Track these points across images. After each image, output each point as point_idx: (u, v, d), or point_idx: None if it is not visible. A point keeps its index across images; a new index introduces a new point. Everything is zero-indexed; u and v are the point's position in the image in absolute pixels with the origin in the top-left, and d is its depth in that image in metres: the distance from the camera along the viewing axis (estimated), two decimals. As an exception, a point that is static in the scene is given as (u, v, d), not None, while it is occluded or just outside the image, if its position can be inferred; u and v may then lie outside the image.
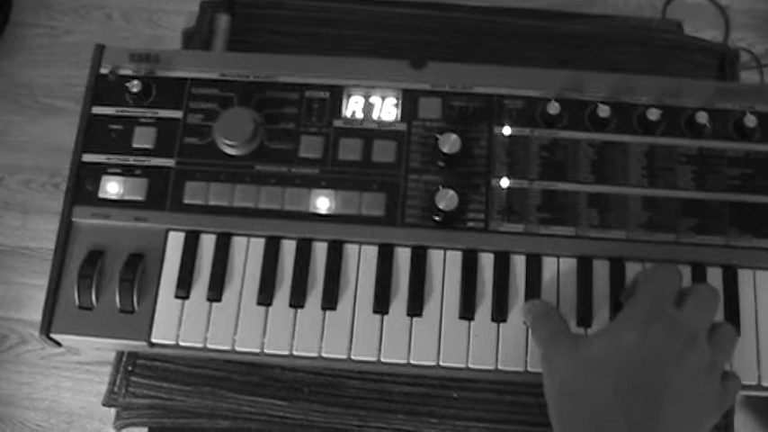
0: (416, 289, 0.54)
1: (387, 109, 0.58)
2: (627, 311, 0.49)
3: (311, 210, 0.56)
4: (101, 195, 0.57)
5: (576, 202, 0.56)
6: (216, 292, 0.55)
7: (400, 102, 0.59)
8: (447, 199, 0.54)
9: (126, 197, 0.57)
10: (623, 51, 0.70)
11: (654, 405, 0.44)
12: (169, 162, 0.57)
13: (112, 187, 0.57)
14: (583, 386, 0.47)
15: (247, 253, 0.56)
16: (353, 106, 0.59)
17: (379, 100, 0.59)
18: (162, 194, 0.57)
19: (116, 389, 0.60)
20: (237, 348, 0.54)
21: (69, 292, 0.55)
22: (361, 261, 0.55)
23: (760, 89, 0.59)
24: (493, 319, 0.54)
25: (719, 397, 0.48)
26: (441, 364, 0.53)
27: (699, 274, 0.55)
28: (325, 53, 0.69)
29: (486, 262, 0.55)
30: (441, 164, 0.57)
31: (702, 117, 0.56)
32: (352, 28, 0.71)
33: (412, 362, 0.53)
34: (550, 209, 0.56)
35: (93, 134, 0.58)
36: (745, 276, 0.55)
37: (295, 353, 0.54)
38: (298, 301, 0.54)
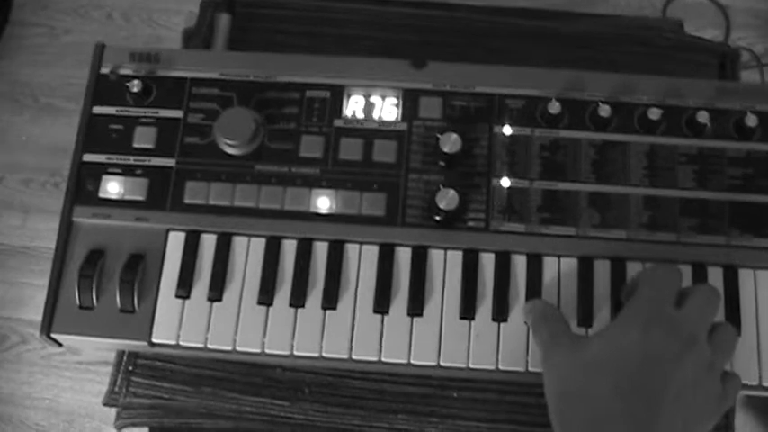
0: (417, 289, 0.54)
1: (387, 109, 0.58)
2: (627, 312, 0.49)
3: (312, 210, 0.56)
4: (101, 195, 0.57)
5: (577, 201, 0.56)
6: (216, 291, 0.55)
7: (401, 101, 0.59)
8: (448, 199, 0.54)
9: (126, 197, 0.57)
10: (624, 51, 0.70)
11: (654, 405, 0.44)
12: (170, 162, 0.57)
13: (113, 187, 0.57)
14: (583, 386, 0.47)
15: (248, 253, 0.56)
16: (354, 106, 0.59)
17: (380, 100, 0.59)
18: (162, 194, 0.57)
19: (116, 389, 0.60)
20: (238, 348, 0.54)
21: (70, 291, 0.55)
22: (361, 261, 0.55)
23: (760, 89, 0.59)
24: (493, 319, 0.54)
25: (720, 397, 0.48)
26: (441, 363, 0.53)
27: (700, 274, 0.55)
28: (325, 53, 0.69)
29: (487, 262, 0.55)
30: (441, 164, 0.57)
31: (703, 117, 0.56)
32: (352, 27, 0.71)
33: (412, 362, 0.53)
34: (551, 209, 0.56)
35: (94, 134, 0.58)
36: (745, 276, 0.55)
37: (296, 353, 0.54)
38: (298, 300, 0.54)
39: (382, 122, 0.58)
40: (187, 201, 0.56)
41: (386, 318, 0.54)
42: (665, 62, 0.70)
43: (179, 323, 0.54)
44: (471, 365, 0.53)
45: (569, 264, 0.55)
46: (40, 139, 1.47)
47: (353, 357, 0.53)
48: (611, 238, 0.55)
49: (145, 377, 0.60)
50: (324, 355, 0.54)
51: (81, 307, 0.54)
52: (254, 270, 0.55)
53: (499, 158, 0.57)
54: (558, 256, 0.55)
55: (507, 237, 0.55)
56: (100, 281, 0.55)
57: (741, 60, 0.72)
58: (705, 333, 0.48)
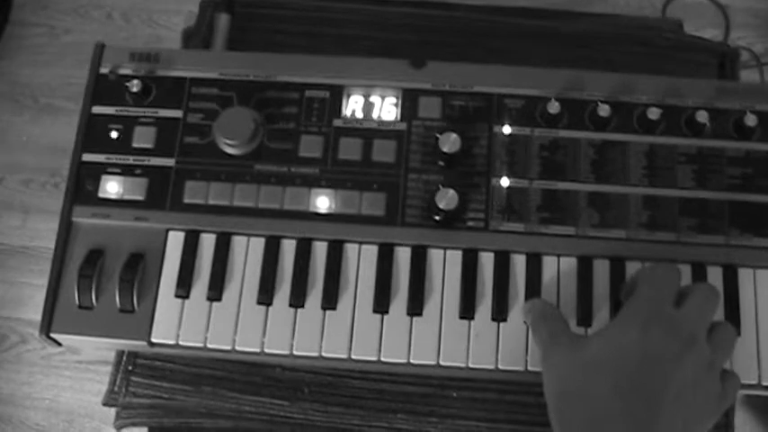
0: (416, 288, 0.54)
1: (387, 108, 0.58)
2: (626, 311, 0.49)
3: (311, 209, 0.56)
4: (101, 195, 0.57)
5: (577, 201, 0.56)
6: (216, 291, 0.55)
7: (400, 101, 0.59)
8: (447, 198, 0.54)
9: (126, 197, 0.57)
10: (623, 50, 0.70)
11: (653, 405, 0.44)
12: (169, 162, 0.57)
13: (112, 187, 0.57)
14: (582, 386, 0.47)
15: (247, 252, 0.56)
16: (353, 106, 0.59)
17: (379, 99, 0.59)
18: (162, 194, 0.57)
19: (116, 388, 0.61)
20: (238, 348, 0.54)
21: (69, 291, 0.55)
22: (361, 261, 0.55)
23: (760, 88, 0.59)
24: (493, 319, 0.54)
25: (719, 396, 0.48)
26: (441, 363, 0.53)
27: (699, 274, 0.55)
28: (325, 53, 0.69)
29: (487, 261, 0.55)
30: (441, 163, 0.57)
31: (702, 116, 0.56)
32: (351, 27, 0.71)
33: (412, 361, 0.53)
34: (551, 208, 0.56)
35: (93, 134, 0.58)
36: (745, 275, 0.55)
37: (295, 352, 0.54)
38: (298, 300, 0.54)
39: (382, 122, 0.58)
40: (186, 200, 0.56)
41: (385, 317, 0.54)
42: (665, 62, 0.70)
43: (178, 323, 0.54)
44: (471, 365, 0.53)
45: (569, 263, 0.55)
46: (39, 139, 1.47)
47: (353, 357, 0.53)
48: (611, 237, 0.55)
49: (144, 377, 0.60)
50: (323, 354, 0.54)
51: (80, 307, 0.54)
52: (253, 270, 0.55)
53: (498, 158, 0.57)
54: (558, 256, 0.55)
55: (507, 236, 0.55)
56: (99, 281, 0.55)
57: (740, 60, 0.72)
58: (704, 332, 0.48)
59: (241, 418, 0.60)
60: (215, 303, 0.55)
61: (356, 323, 0.54)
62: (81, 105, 0.59)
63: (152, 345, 0.54)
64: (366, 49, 0.70)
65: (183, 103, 0.59)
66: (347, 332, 0.54)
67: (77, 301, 0.54)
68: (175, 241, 0.56)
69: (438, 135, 0.56)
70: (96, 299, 0.54)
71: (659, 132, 0.57)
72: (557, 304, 0.54)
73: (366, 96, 0.59)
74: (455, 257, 0.55)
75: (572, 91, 0.58)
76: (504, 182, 0.57)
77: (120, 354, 0.61)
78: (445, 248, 0.56)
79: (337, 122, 0.58)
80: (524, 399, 0.59)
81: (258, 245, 0.56)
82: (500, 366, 0.53)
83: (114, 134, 0.58)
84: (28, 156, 1.46)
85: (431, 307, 0.54)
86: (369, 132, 0.58)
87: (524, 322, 0.54)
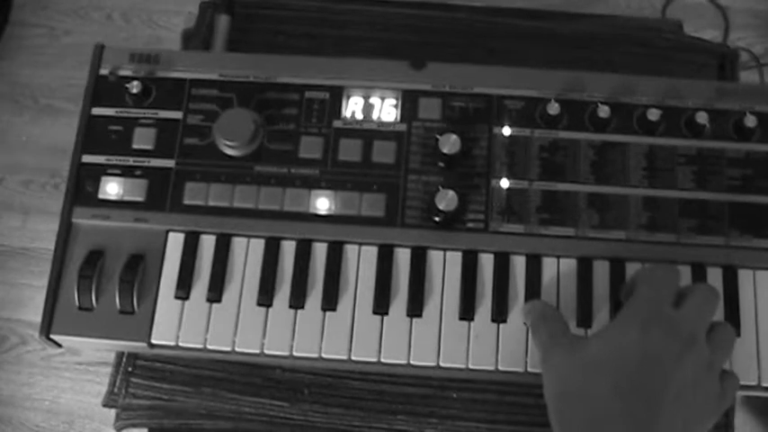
0: (416, 290, 0.54)
1: (386, 110, 0.58)
2: (625, 312, 0.49)
3: (311, 210, 0.56)
4: (101, 196, 0.57)
5: (576, 202, 0.56)
6: (216, 292, 0.55)
7: (400, 102, 0.59)
8: (447, 199, 0.54)
9: (126, 198, 0.57)
10: (623, 52, 0.70)
11: (653, 406, 0.44)
12: (169, 163, 0.57)
13: (112, 188, 0.57)
14: (582, 387, 0.47)
15: (247, 254, 0.56)
16: (353, 107, 0.59)
17: (379, 101, 0.59)
18: (162, 195, 0.57)
19: (116, 390, 0.60)
20: (238, 349, 0.54)
21: (69, 292, 0.55)
22: (360, 262, 0.55)
23: (760, 89, 0.59)
24: (493, 320, 0.54)
25: (719, 396, 0.48)
26: (441, 364, 0.53)
27: (699, 275, 0.55)
28: (324, 54, 0.69)
29: (486, 262, 0.55)
30: (441, 164, 0.57)
31: (702, 117, 0.56)
32: (352, 28, 0.71)
33: (412, 363, 0.53)
34: (550, 209, 0.56)
35: (93, 135, 0.58)
36: (745, 276, 0.55)
37: (295, 353, 0.54)
38: (298, 301, 0.54)
39: (381, 123, 0.58)
40: (186, 202, 0.56)
41: (385, 318, 0.54)
42: (665, 63, 0.70)
43: (178, 324, 0.54)
44: (471, 366, 0.53)
45: (568, 264, 0.55)
46: (39, 140, 1.47)
47: (353, 358, 0.53)
48: (611, 238, 0.55)
49: (144, 378, 0.60)
50: (323, 355, 0.54)
51: (80, 308, 0.54)
52: (253, 271, 0.55)
53: (498, 159, 0.57)
54: (558, 257, 0.55)
55: (506, 237, 0.55)
56: (99, 282, 0.55)
57: (740, 61, 0.72)
58: (704, 332, 0.48)
59: (241, 420, 0.60)
60: (215, 305, 0.55)
61: (356, 324, 0.54)
62: (81, 106, 0.59)
63: (152, 346, 0.54)
64: (366, 50, 0.70)
65: (183, 104, 0.59)
66: (347, 333, 0.54)
67: (77, 303, 0.54)
68: (175, 242, 0.56)
69: (438, 136, 0.56)
70: (96, 300, 0.54)
71: (659, 133, 0.57)
72: (556, 305, 0.54)
73: (366, 97, 0.59)
74: (455, 258, 0.55)
75: (572, 92, 0.58)
76: (504, 183, 0.57)
77: (119, 355, 0.61)
78: (445, 249, 0.56)
79: (337, 124, 0.58)
80: (524, 400, 0.59)
81: (258, 246, 0.56)
82: (500, 367, 0.53)
83: (114, 135, 0.58)
84: (28, 156, 1.46)
85: (431, 308, 0.54)
86: (369, 133, 0.58)
87: (524, 323, 0.54)
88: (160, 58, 0.60)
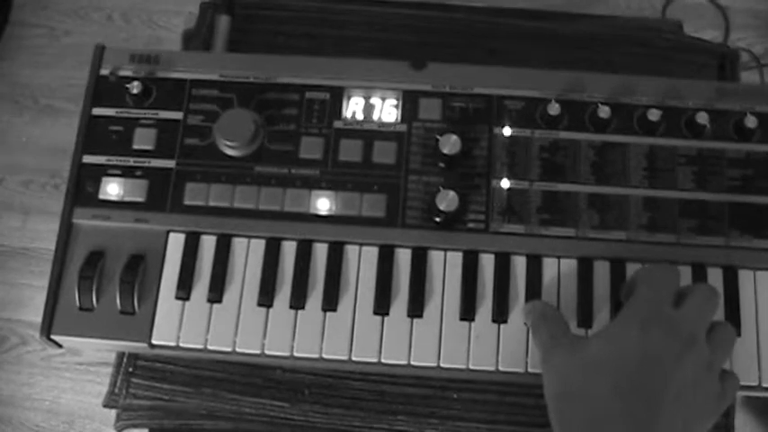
0: (417, 290, 0.54)
1: (387, 110, 0.58)
2: (625, 312, 0.49)
3: (312, 211, 0.56)
4: (101, 197, 0.57)
5: (577, 202, 0.56)
6: (216, 293, 0.55)
7: (400, 103, 0.59)
8: (447, 200, 0.54)
9: (126, 198, 0.57)
10: (623, 52, 0.71)
11: (654, 406, 0.44)
12: (169, 163, 0.57)
13: (113, 188, 0.57)
14: (582, 387, 0.47)
15: (248, 254, 0.56)
16: (354, 107, 0.59)
17: (380, 101, 0.59)
18: (162, 196, 0.57)
19: (117, 390, 0.60)
20: (238, 350, 0.54)
21: (70, 293, 0.55)
22: (361, 262, 0.55)
23: (760, 89, 0.59)
24: (493, 321, 0.54)
25: (718, 396, 0.48)
26: (441, 365, 0.53)
27: (699, 275, 0.55)
28: (325, 54, 0.69)
29: (487, 263, 0.55)
30: (441, 165, 0.57)
31: (703, 118, 0.56)
32: (352, 29, 0.71)
33: (413, 363, 0.53)
34: (551, 210, 0.56)
35: (94, 135, 0.58)
36: (745, 277, 0.55)
37: (296, 354, 0.54)
38: (298, 302, 0.54)
39: (382, 124, 0.58)
40: (187, 202, 0.56)
41: (386, 319, 0.54)
42: (665, 63, 0.70)
43: (179, 325, 0.54)
44: (471, 367, 0.53)
45: (569, 265, 0.55)
46: (40, 141, 1.47)
47: (353, 359, 0.53)
48: (611, 239, 0.55)
49: (145, 378, 0.60)
50: (324, 356, 0.54)
51: (81, 308, 0.54)
52: (253, 271, 0.55)
53: (499, 160, 0.57)
54: (558, 258, 0.55)
55: (507, 238, 0.55)
56: (100, 282, 0.55)
57: (740, 61, 0.72)
58: (704, 332, 0.48)
59: (241, 420, 0.60)
60: (215, 305, 0.55)
61: (357, 325, 0.54)
62: (81, 107, 0.59)
63: (152, 346, 0.54)
64: (366, 50, 0.70)
65: (184, 104, 0.59)
66: (348, 334, 0.54)
67: (78, 303, 0.54)
68: (176, 243, 0.56)
69: (438, 136, 0.56)
70: (97, 300, 0.55)
71: (659, 134, 0.57)
72: (557, 306, 0.54)
73: (366, 98, 0.59)
74: (455, 259, 0.55)
75: (572, 92, 0.58)
76: (505, 183, 0.57)
77: (120, 355, 0.61)
78: (446, 250, 0.56)
79: (338, 124, 0.58)
80: (525, 400, 0.59)
81: (259, 246, 0.56)
82: (500, 368, 0.53)
83: (114, 136, 0.58)
84: (28, 157, 1.46)
85: (431, 308, 0.54)
86: (369, 134, 0.58)
87: (525, 324, 0.54)
88: (160, 58, 0.60)
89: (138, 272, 0.54)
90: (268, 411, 0.59)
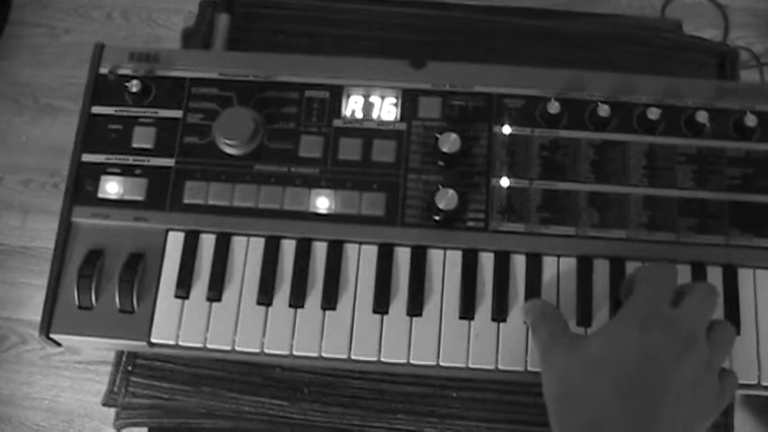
0: (416, 289, 0.54)
1: (386, 108, 0.58)
2: (624, 311, 0.49)
3: (311, 209, 0.56)
4: (100, 195, 0.57)
5: (577, 201, 0.56)
6: (216, 291, 0.55)
7: (400, 101, 0.59)
8: (447, 198, 0.54)
9: (126, 197, 0.57)
10: (623, 51, 0.70)
11: (653, 405, 0.44)
12: (169, 162, 0.57)
13: (112, 187, 0.57)
14: (581, 386, 0.47)
15: (247, 253, 0.56)
16: (353, 106, 0.58)
17: (379, 99, 0.58)
18: (162, 194, 0.57)
19: (116, 389, 0.60)
20: (237, 348, 0.54)
21: (69, 292, 0.55)
22: (360, 261, 0.55)
23: (760, 88, 0.59)
24: (493, 319, 0.54)
25: (718, 395, 0.48)
26: (441, 363, 0.53)
27: (699, 274, 0.55)
28: (324, 53, 0.69)
29: (487, 261, 0.55)
30: (441, 163, 0.57)
31: (702, 116, 0.56)
32: (351, 27, 0.71)
33: (412, 362, 0.53)
34: (551, 208, 0.56)
35: (93, 134, 0.58)
36: (745, 275, 0.55)
37: (295, 353, 0.54)
38: (298, 301, 0.54)
39: (381, 122, 0.58)
40: (186, 201, 0.56)
41: (385, 318, 0.54)
42: (665, 62, 0.70)
43: (178, 323, 0.54)
44: (471, 365, 0.53)
45: (569, 263, 0.55)
46: (39, 140, 1.47)
47: (353, 357, 0.53)
48: (611, 237, 0.55)
49: (144, 377, 0.60)
50: (323, 355, 0.53)
51: (80, 307, 0.54)
52: (253, 270, 0.55)
53: (498, 158, 0.57)
54: (558, 256, 0.55)
55: (507, 236, 0.55)
56: (99, 281, 0.55)
57: (740, 60, 0.72)
58: (703, 331, 0.48)
59: (241, 419, 0.60)
60: (215, 304, 0.55)
61: (356, 323, 0.54)
62: (81, 105, 0.59)
63: (152, 345, 0.54)
64: (366, 49, 0.70)
65: (183, 103, 0.59)
66: (347, 332, 0.54)
67: (77, 302, 0.54)
68: (175, 241, 0.56)
69: (438, 135, 0.56)
70: (96, 299, 0.54)
71: (659, 132, 0.57)
72: (557, 304, 0.54)
73: (366, 96, 0.59)
74: (455, 258, 0.55)
75: (572, 91, 0.58)
76: (504, 182, 0.57)
77: (119, 354, 0.61)
78: (445, 249, 0.56)
79: (337, 122, 0.58)
80: (524, 399, 0.59)
81: (258, 245, 0.56)
82: (500, 366, 0.53)
83: (114, 134, 0.58)
84: (28, 156, 1.46)
85: (431, 307, 0.54)
86: (369, 132, 0.58)
87: (524, 322, 0.54)
88: (160, 56, 0.60)
89: (138, 270, 0.54)
90: (267, 410, 0.59)
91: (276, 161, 0.57)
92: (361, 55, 0.67)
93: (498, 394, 0.59)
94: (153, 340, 0.54)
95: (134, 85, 0.58)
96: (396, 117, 0.58)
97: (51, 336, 0.54)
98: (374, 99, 0.58)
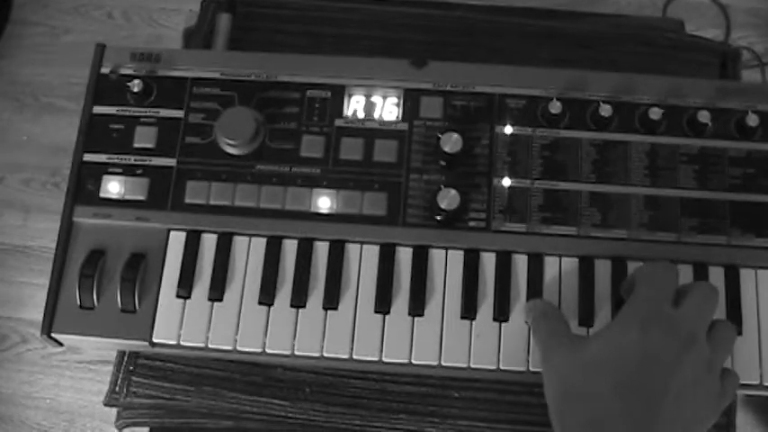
0: (418, 289, 0.54)
1: (388, 108, 0.58)
2: (625, 311, 0.49)
3: (313, 209, 0.56)
4: (102, 195, 0.57)
5: (578, 201, 0.56)
6: (217, 291, 0.55)
7: (402, 101, 0.58)
8: (449, 198, 0.54)
9: (127, 197, 0.57)
10: (625, 50, 0.70)
11: (654, 405, 0.44)
12: (170, 161, 0.57)
13: (113, 187, 0.57)
14: (582, 386, 0.47)
15: (249, 252, 0.56)
16: (355, 105, 0.58)
17: (381, 99, 0.58)
18: (163, 194, 0.57)
19: (117, 388, 0.60)
20: (239, 348, 0.54)
21: (70, 291, 0.55)
22: (362, 261, 0.55)
23: (761, 88, 0.59)
24: (494, 319, 0.54)
25: (719, 395, 0.48)
26: (442, 363, 0.53)
27: (701, 274, 0.55)
28: (326, 52, 0.69)
29: (488, 261, 0.55)
30: (442, 163, 0.57)
31: (704, 116, 0.56)
32: (353, 27, 0.71)
33: (413, 362, 0.53)
34: (552, 208, 0.56)
35: (94, 134, 0.58)
36: (747, 275, 0.55)
37: (296, 353, 0.54)
38: (299, 300, 0.54)
39: (383, 122, 0.58)
40: (188, 200, 0.56)
41: (387, 318, 0.54)
42: (666, 62, 0.70)
43: (180, 323, 0.54)
44: (472, 365, 0.53)
45: (570, 263, 0.55)
46: (40, 139, 1.47)
47: (354, 357, 0.53)
48: (612, 237, 0.55)
49: (145, 377, 0.60)
50: (325, 354, 0.53)
51: (82, 307, 0.54)
52: (254, 270, 0.55)
53: (500, 158, 0.57)
54: (559, 256, 0.55)
55: (508, 236, 0.55)
56: (100, 281, 0.55)
57: (742, 60, 0.72)
58: (704, 331, 0.48)
59: (242, 419, 0.60)
60: (216, 303, 0.55)
61: (357, 323, 0.54)
62: (82, 105, 0.59)
63: (153, 345, 0.54)
64: (367, 48, 0.70)
65: (185, 102, 0.59)
66: (348, 332, 0.54)
67: (78, 301, 0.54)
68: (177, 241, 0.56)
69: (439, 135, 0.56)
70: (97, 299, 0.54)
71: (661, 132, 0.57)
72: (558, 304, 0.54)
73: (367, 96, 0.59)
74: (457, 257, 0.55)
75: (573, 91, 0.58)
76: (506, 182, 0.57)
77: (121, 354, 0.61)
78: (447, 248, 0.56)
79: (339, 122, 0.58)
80: (526, 399, 0.59)
81: (259, 245, 0.56)
82: (501, 366, 0.53)
83: (115, 134, 0.58)
84: (29, 155, 1.46)
85: (432, 307, 0.54)
86: (370, 132, 0.58)
87: (525, 322, 0.54)
88: (161, 56, 0.60)
89: (139, 270, 0.54)
90: (269, 410, 0.59)
91: (278, 161, 0.57)
92: (362, 54, 0.67)
93: (500, 394, 0.59)
94: (154, 340, 0.54)
95: (135, 85, 0.58)
96: (397, 117, 0.58)
97: (53, 335, 0.54)
98: (376, 99, 0.58)
